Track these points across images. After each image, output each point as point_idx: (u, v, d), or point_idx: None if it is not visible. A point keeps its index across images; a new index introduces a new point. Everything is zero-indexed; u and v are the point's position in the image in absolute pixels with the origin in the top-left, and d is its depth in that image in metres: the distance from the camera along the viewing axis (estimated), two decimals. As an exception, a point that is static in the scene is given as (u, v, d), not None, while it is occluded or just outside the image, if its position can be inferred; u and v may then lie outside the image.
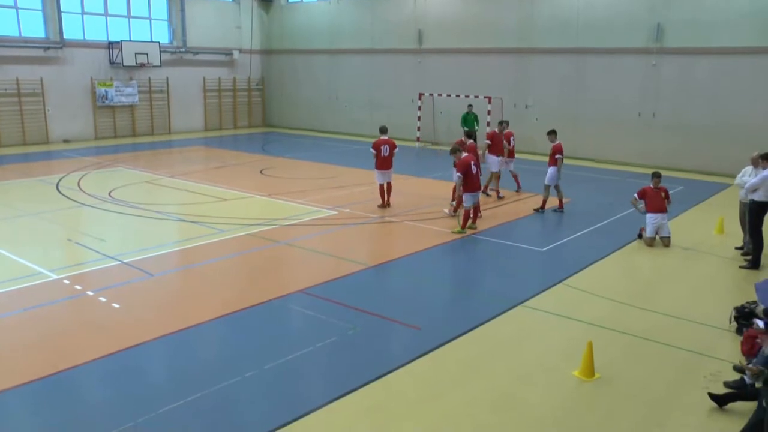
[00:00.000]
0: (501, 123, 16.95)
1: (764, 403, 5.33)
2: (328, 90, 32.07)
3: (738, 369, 7.24)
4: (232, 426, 6.10)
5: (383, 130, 15.35)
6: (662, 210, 12.64)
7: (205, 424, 6.14)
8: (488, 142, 16.57)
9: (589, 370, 7.13)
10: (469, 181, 13.03)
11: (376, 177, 15.22)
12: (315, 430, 6.07)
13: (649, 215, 12.62)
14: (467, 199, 13.10)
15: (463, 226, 13.12)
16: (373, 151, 15.00)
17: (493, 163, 16.42)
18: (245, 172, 20.20)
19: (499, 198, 16.32)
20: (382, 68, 29.86)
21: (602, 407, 6.60)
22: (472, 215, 13.33)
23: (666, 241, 12.56)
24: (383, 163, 15.02)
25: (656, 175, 12.81)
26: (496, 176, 16.48)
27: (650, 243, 12.53)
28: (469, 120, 23.98)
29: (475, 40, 26.32)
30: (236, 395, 6.63)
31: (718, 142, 20.97)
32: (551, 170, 14.80)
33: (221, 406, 6.41)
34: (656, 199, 12.65)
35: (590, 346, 7.14)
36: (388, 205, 15.23)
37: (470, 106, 24.40)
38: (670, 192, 13.02)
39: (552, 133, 15.04)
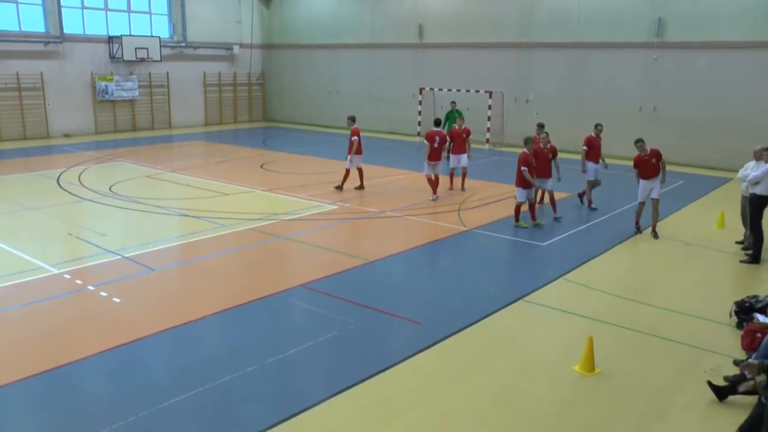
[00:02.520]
0: (597, 126, 14.99)
1: (764, 398, 5.33)
2: (328, 84, 32.04)
3: (738, 364, 7.24)
4: (233, 420, 6.10)
5: (353, 119, 16.52)
6: (654, 176, 12.58)
7: (207, 418, 6.15)
8: (585, 147, 14.63)
9: (590, 365, 7.13)
10: (521, 176, 13.03)
11: (352, 162, 16.35)
12: (316, 424, 6.08)
13: (641, 181, 12.69)
14: (519, 194, 13.16)
15: (516, 219, 13.33)
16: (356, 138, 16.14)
17: (590, 170, 14.79)
18: (246, 167, 20.19)
19: (592, 209, 14.94)
20: (383, 63, 29.82)
21: (603, 402, 6.60)
22: (529, 210, 13.37)
23: (654, 203, 12.64)
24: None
25: (638, 141, 12.60)
26: (591, 185, 14.97)
27: (640, 209, 12.90)
28: (452, 118, 21.20)
29: (476, 35, 26.28)
30: (237, 390, 6.63)
31: (719, 136, 20.96)
32: None
33: (223, 401, 6.42)
34: (647, 166, 12.56)
35: (591, 341, 7.15)
36: (362, 187, 16.55)
37: (453, 103, 22.58)
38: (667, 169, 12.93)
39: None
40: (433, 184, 15.58)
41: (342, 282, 9.91)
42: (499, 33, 25.65)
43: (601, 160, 14.86)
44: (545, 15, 24.42)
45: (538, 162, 13.45)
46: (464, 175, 16.87)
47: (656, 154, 12.53)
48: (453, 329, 8.16)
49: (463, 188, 16.70)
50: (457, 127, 16.69)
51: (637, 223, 12.99)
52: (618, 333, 8.25)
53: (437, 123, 16.07)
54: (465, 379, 7.00)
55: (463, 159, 16.55)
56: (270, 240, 12.12)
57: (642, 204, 12.79)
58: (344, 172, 16.48)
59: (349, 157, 16.18)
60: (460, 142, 16.46)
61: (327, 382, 6.87)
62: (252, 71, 34.09)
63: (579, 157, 14.97)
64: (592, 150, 14.72)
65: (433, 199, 15.39)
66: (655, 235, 12.72)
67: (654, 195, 12.61)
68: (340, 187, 16.32)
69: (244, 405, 6.38)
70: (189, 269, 10.72)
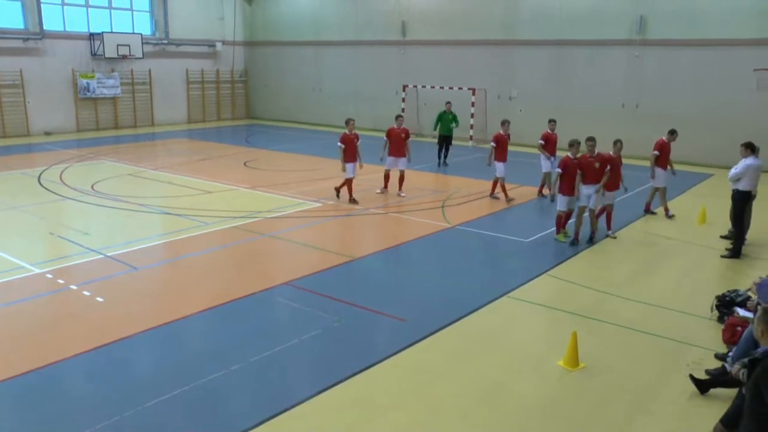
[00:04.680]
0: (672, 133, 13.98)
1: (743, 390, 5.39)
2: (312, 82, 31.95)
3: (719, 357, 7.33)
4: (219, 419, 6.08)
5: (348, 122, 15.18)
6: (595, 182, 11.81)
7: (192, 417, 6.12)
8: (656, 152, 13.81)
9: (574, 360, 7.18)
10: (564, 182, 11.86)
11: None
12: (301, 422, 6.07)
13: (582, 186, 11.86)
14: (560, 202, 12.06)
15: (557, 231, 12.16)
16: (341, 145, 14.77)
17: (659, 176, 13.95)
18: (229, 165, 20.09)
19: (669, 216, 14.00)
20: (367, 60, 29.79)
21: (587, 396, 6.65)
22: (574, 223, 12.10)
23: (591, 213, 11.88)
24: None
25: (590, 139, 11.97)
26: (662, 192, 14.12)
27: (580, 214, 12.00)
28: (446, 120, 20.10)
29: (459, 32, 26.33)
30: (223, 388, 6.61)
31: (701, 133, 21.16)
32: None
33: (208, 399, 6.39)
34: (590, 168, 11.78)
35: (574, 336, 7.20)
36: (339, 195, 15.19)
37: (448, 103, 20.73)
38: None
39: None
40: (387, 179, 15.73)
41: (326, 279, 9.90)
42: (482, 30, 25.70)
43: (668, 166, 13.99)
44: (528, 12, 24.52)
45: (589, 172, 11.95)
46: (498, 182, 15.50)
47: (602, 160, 11.90)
48: (437, 326, 8.18)
49: (495, 195, 15.56)
50: (502, 132, 15.20)
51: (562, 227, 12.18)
52: (601, 328, 8.31)
53: (347, 122, 15.26)
54: (449, 375, 7.02)
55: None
56: (254, 238, 12.07)
57: (583, 209, 11.95)
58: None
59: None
60: (505, 147, 15.13)
61: (312, 380, 6.86)
62: (235, 68, 33.93)
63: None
64: (663, 155, 13.88)
65: (381, 192, 15.72)
66: (591, 241, 11.92)
67: (591, 204, 11.83)
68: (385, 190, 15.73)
69: (230, 403, 6.36)
70: (173, 268, 10.66)
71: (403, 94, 27.81)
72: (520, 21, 24.76)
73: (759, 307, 5.21)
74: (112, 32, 28.09)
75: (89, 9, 28.05)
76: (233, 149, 23.51)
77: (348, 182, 14.78)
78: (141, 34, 29.05)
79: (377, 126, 29.05)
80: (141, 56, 28.82)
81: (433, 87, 26.80)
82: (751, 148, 11.33)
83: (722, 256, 11.43)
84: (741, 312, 7.94)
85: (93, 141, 25.04)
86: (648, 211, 14.33)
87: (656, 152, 13.87)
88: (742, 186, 11.27)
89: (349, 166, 14.60)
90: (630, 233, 12.80)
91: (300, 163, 20.37)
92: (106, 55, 27.58)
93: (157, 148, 24.48)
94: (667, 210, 14.11)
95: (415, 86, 27.59)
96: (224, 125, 31.83)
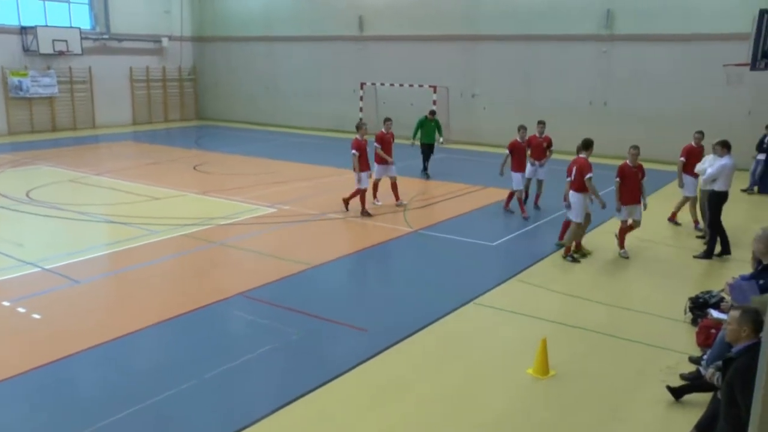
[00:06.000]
0: (697, 134, 13.56)
1: (718, 395, 5.52)
2: (265, 80, 31.79)
3: (694, 360, 7.49)
4: (168, 441, 6.00)
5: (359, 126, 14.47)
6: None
7: (140, 440, 6.02)
8: (683, 159, 13.23)
9: (544, 368, 7.25)
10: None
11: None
12: (259, 441, 6.02)
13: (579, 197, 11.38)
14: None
15: (561, 238, 12.01)
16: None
17: (689, 185, 13.35)
18: (178, 169, 19.86)
19: (672, 222, 13.94)
20: (323, 56, 29.75)
21: (558, 405, 6.72)
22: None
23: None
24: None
25: (634, 147, 11.44)
26: (692, 202, 13.52)
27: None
28: (429, 128, 18.69)
29: (420, 27, 26.48)
30: (175, 408, 6.50)
31: (671, 130, 21.60)
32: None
33: (159, 421, 6.28)
34: (633, 179, 11.43)
35: (544, 343, 7.27)
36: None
37: (433, 112, 19.56)
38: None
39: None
40: (377, 188, 15.02)
41: (283, 289, 9.84)
42: (443, 25, 25.89)
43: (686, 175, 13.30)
44: (492, 6, 24.77)
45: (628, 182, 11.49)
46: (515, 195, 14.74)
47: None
48: (400, 335, 8.18)
49: (510, 209, 14.82)
50: (519, 139, 14.44)
51: (578, 246, 11.75)
52: (572, 333, 8.41)
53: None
54: (414, 387, 7.02)
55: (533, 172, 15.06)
56: (206, 246, 11.94)
57: (583, 226, 11.60)
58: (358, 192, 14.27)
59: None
60: (522, 156, 14.52)
61: (269, 396, 6.79)
62: (183, 66, 33.55)
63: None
64: (691, 161, 13.09)
65: (380, 204, 14.95)
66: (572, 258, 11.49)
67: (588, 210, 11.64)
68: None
69: (184, 422, 6.26)
70: (118, 280, 10.47)
71: (361, 92, 27.84)
72: (483, 15, 25.00)
73: (732, 308, 5.34)
74: (46, 26, 27.52)
75: (20, 0, 27.39)
76: (182, 152, 23.24)
77: (361, 193, 14.14)
78: (79, 29, 28.52)
79: (335, 126, 29.09)
80: (80, 52, 28.29)
81: (392, 85, 26.90)
82: (727, 147, 11.51)
83: (695, 257, 11.68)
84: (715, 314, 8.10)
85: (27, 144, 24.47)
86: (672, 219, 13.99)
87: (682, 159, 13.25)
88: (717, 186, 11.44)
89: (363, 175, 14.03)
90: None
91: (253, 167, 20.23)
92: (41, 51, 26.97)
93: (100, 151, 24.08)
94: (696, 222, 13.47)
95: (374, 84, 27.66)
96: (172, 127, 31.44)
